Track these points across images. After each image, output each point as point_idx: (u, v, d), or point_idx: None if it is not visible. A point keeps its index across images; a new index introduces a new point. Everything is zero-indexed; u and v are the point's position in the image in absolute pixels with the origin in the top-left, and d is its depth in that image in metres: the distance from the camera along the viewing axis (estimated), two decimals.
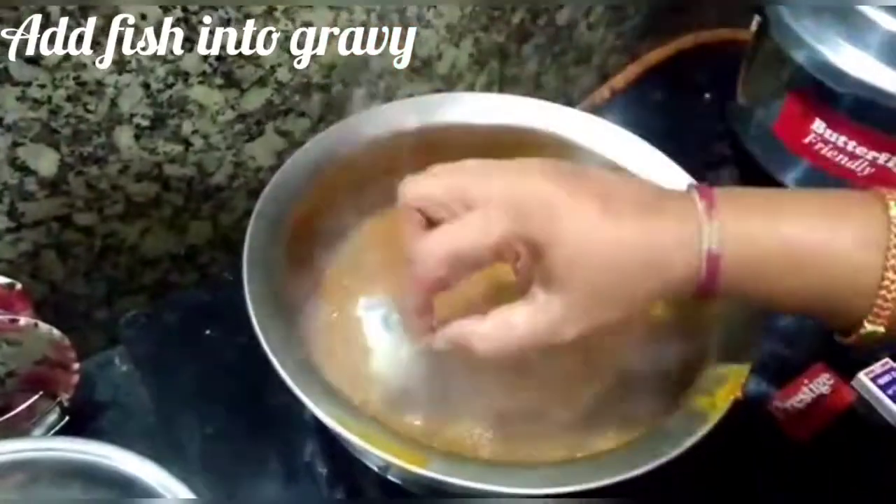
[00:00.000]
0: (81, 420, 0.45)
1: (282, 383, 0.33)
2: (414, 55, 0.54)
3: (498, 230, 0.31)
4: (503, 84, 0.63)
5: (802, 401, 0.47)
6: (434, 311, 0.34)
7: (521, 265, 0.35)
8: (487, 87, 0.62)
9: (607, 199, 0.31)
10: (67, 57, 0.40)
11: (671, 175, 0.45)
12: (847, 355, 0.49)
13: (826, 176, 0.53)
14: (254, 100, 0.48)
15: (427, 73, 0.56)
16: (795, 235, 0.31)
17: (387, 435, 0.33)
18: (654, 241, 0.31)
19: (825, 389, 0.48)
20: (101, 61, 0.41)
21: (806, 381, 0.48)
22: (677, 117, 0.65)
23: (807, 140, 0.53)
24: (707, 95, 0.69)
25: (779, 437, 0.46)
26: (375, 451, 0.32)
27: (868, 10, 0.49)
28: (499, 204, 0.31)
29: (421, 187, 0.33)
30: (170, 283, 0.54)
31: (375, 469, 0.39)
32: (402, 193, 0.34)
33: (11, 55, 0.38)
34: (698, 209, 0.31)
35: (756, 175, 0.57)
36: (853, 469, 0.46)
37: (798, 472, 0.46)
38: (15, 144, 0.41)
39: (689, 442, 0.32)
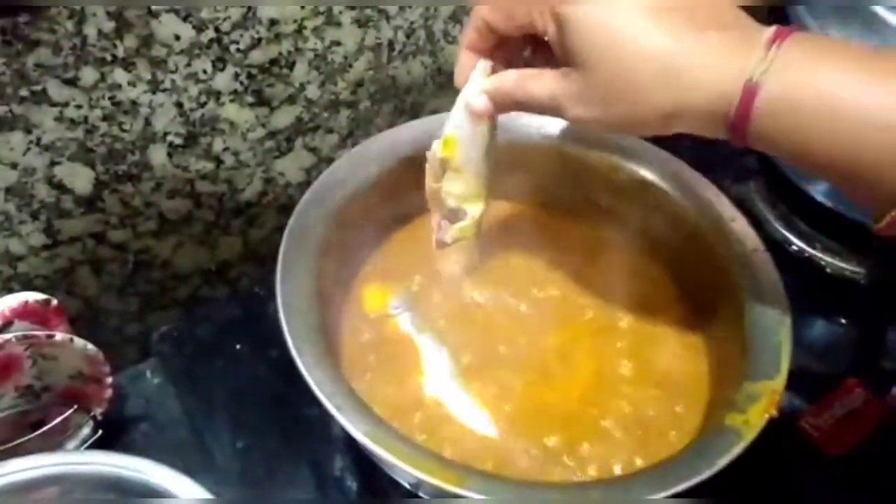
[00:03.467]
0: (114, 433, 0.45)
1: (313, 397, 0.33)
2: (440, 70, 0.54)
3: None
4: None
5: (835, 416, 0.47)
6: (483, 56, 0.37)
7: (549, 37, 0.34)
8: None
9: (665, 3, 0.30)
10: (103, 77, 0.41)
11: (699, 187, 0.45)
12: (880, 370, 0.48)
13: None
14: (283, 117, 0.49)
15: (453, 89, 0.56)
16: (845, 87, 0.28)
17: (420, 453, 0.33)
18: (687, 51, 0.29)
19: (858, 404, 0.47)
20: (135, 81, 0.42)
21: (838, 397, 0.48)
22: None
23: None
24: None
25: (811, 454, 0.45)
26: (409, 469, 0.32)
27: (894, 19, 0.48)
28: None
29: None
30: (201, 297, 0.55)
31: (406, 485, 0.39)
32: None
33: (50, 76, 0.39)
34: (760, 40, 0.29)
35: (784, 187, 0.57)
36: (889, 484, 0.45)
37: (832, 488, 0.45)
38: (52, 163, 0.42)
39: (723, 461, 0.32)
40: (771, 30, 0.30)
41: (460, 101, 0.38)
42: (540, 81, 0.34)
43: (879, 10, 0.48)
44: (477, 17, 0.36)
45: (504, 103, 0.37)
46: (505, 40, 0.36)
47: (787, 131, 0.29)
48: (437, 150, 0.39)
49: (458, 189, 0.40)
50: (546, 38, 0.34)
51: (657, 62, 0.30)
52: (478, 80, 0.37)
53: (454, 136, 0.38)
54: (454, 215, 0.41)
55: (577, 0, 0.31)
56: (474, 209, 0.40)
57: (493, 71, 0.37)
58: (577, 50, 0.31)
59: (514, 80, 0.35)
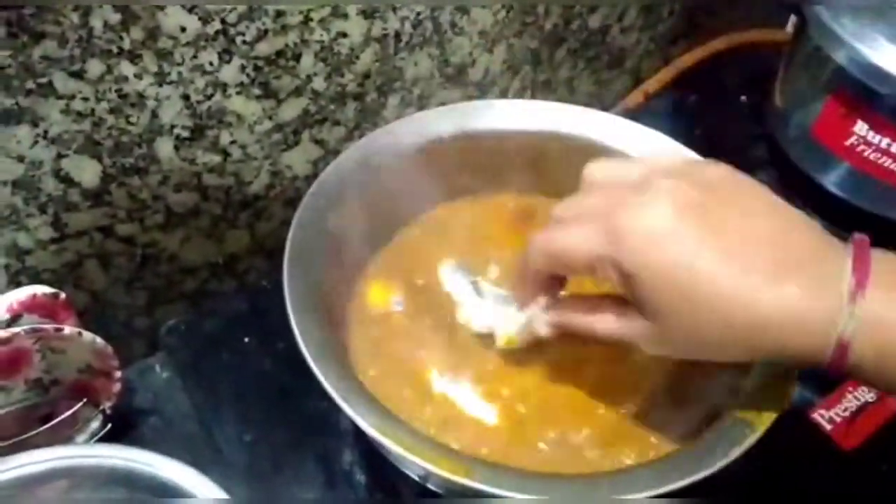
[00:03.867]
0: (122, 427, 0.45)
1: (321, 390, 0.33)
2: (447, 62, 0.54)
3: (587, 248, 0.31)
4: (536, 89, 0.63)
5: (847, 409, 0.46)
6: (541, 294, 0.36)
7: (616, 286, 0.32)
8: (520, 93, 0.62)
9: (737, 240, 0.29)
10: (109, 70, 0.40)
11: None
12: None
13: (869, 179, 0.52)
14: (290, 110, 0.49)
15: (461, 80, 0.56)
16: None
17: (428, 444, 0.33)
18: (769, 306, 0.28)
19: (871, 397, 0.47)
20: (142, 74, 0.41)
21: (850, 389, 0.47)
22: (713, 120, 0.64)
23: (848, 142, 0.52)
24: (743, 98, 0.68)
25: (824, 447, 0.45)
26: (416, 461, 0.32)
27: None
28: (602, 224, 0.31)
29: (557, 210, 0.35)
30: (209, 291, 0.55)
31: (415, 478, 0.39)
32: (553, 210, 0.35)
33: (56, 69, 0.39)
34: (843, 286, 0.28)
35: (795, 178, 0.56)
36: None
37: (845, 481, 0.45)
38: (59, 156, 0.42)
39: (735, 452, 0.32)
40: (849, 269, 0.29)
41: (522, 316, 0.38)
42: (605, 322, 0.33)
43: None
44: (532, 263, 0.35)
45: (568, 331, 0.36)
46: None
47: (887, 374, 0.29)
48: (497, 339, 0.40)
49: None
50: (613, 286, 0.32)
51: (738, 319, 0.29)
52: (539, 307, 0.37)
53: (512, 338, 0.39)
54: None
55: (640, 250, 0.30)
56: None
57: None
58: (648, 304, 0.30)
59: (580, 318, 0.35)
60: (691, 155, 0.45)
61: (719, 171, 0.32)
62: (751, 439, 0.33)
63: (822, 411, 0.46)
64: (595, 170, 0.35)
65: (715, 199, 0.30)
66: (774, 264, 0.29)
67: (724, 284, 0.29)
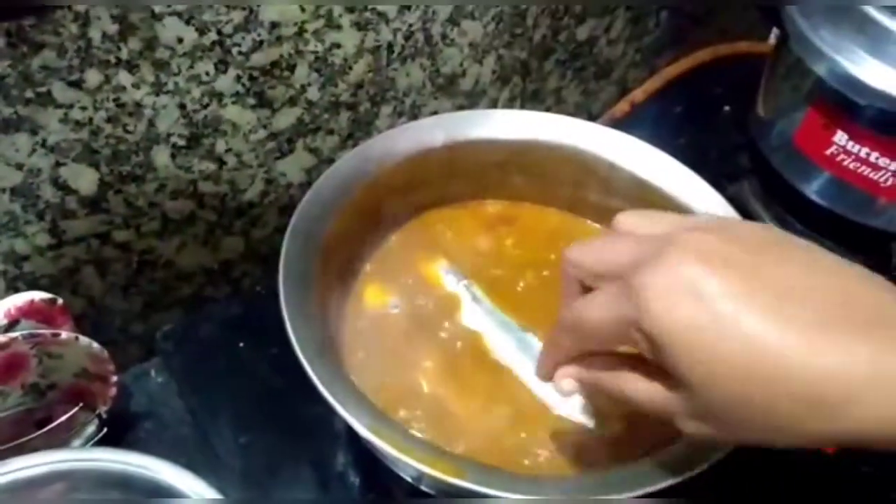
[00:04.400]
0: (118, 431, 0.46)
1: (314, 394, 0.34)
2: (438, 73, 0.55)
3: (611, 314, 0.28)
4: (525, 99, 0.64)
5: None
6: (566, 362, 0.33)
7: (646, 354, 0.28)
8: (510, 103, 0.63)
9: (784, 295, 0.24)
10: (108, 79, 0.41)
11: (694, 186, 0.46)
12: None
13: (849, 187, 0.54)
14: (285, 119, 0.50)
15: (451, 90, 0.57)
16: None
17: (421, 445, 0.34)
18: (829, 367, 0.23)
19: None
20: (139, 83, 0.42)
21: None
22: (697, 130, 0.66)
23: (829, 152, 0.54)
24: (726, 108, 0.69)
25: (808, 450, 0.46)
26: (410, 462, 0.32)
27: (887, 21, 0.49)
28: (624, 283, 0.27)
29: (576, 254, 0.31)
30: (204, 297, 0.55)
31: (408, 479, 0.40)
32: (563, 257, 0.32)
33: (55, 78, 0.39)
34: None
35: (777, 186, 0.58)
36: (890, 481, 0.46)
37: (827, 483, 0.46)
38: (57, 164, 0.43)
39: (719, 454, 0.33)
40: None
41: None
42: (635, 385, 0.29)
43: (870, 10, 0.49)
44: (559, 341, 0.32)
45: (593, 389, 0.33)
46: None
47: None
48: None
49: None
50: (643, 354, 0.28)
51: (791, 386, 0.23)
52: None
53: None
54: None
55: (661, 310, 0.25)
56: None
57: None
58: (677, 371, 0.26)
59: (608, 377, 0.31)
60: (703, 184, 0.45)
61: (757, 227, 0.28)
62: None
63: None
64: (623, 219, 0.31)
65: (747, 251, 0.26)
66: (839, 321, 0.24)
67: (769, 347, 0.24)
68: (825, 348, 0.23)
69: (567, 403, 0.39)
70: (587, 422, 0.39)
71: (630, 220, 0.31)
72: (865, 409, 0.23)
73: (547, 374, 0.34)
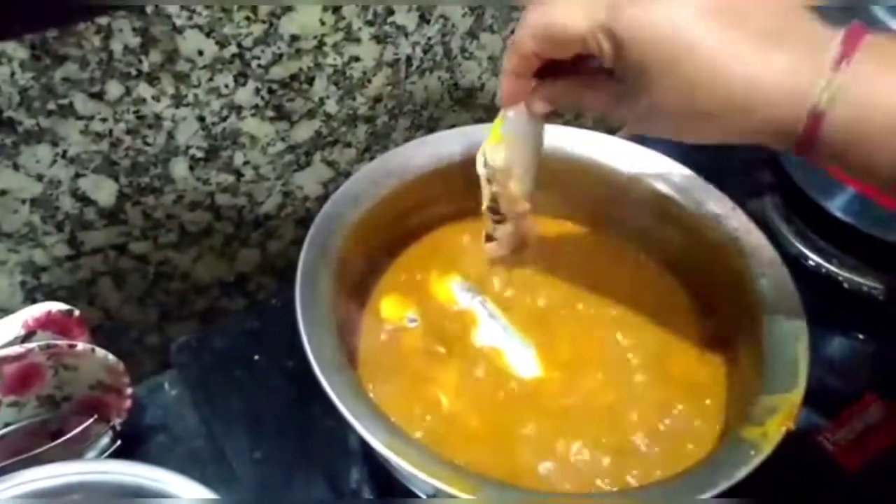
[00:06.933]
0: (132, 444, 0.46)
1: (330, 408, 0.34)
2: (457, 86, 0.55)
3: (583, 18, 0.31)
4: None
5: (853, 431, 0.46)
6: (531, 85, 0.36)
7: (605, 58, 0.32)
8: None
9: (728, 8, 0.29)
10: (128, 91, 0.41)
11: (715, 201, 0.45)
12: None
13: (872, 204, 0.53)
14: (302, 131, 0.50)
15: (469, 104, 0.57)
16: None
17: (438, 462, 0.33)
18: (754, 75, 0.28)
19: (876, 419, 0.47)
20: (159, 96, 0.42)
21: (857, 412, 0.47)
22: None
23: None
24: None
25: (829, 469, 0.45)
26: (426, 478, 0.32)
27: (890, 19, 0.48)
28: None
29: None
30: (219, 309, 0.55)
31: (423, 496, 0.39)
32: None
33: (77, 90, 0.40)
34: (827, 56, 0.28)
35: (800, 202, 0.57)
36: None
37: (848, 503, 0.45)
38: (77, 176, 0.43)
39: (741, 473, 0.32)
40: (838, 40, 0.28)
41: (505, 114, 0.39)
42: (595, 95, 0.34)
43: (878, 10, 0.48)
44: (522, 45, 0.34)
45: (561, 106, 0.37)
46: (551, 62, 0.35)
47: (855, 152, 0.29)
48: (488, 157, 0.40)
49: (511, 189, 0.41)
50: (600, 60, 0.32)
51: (724, 89, 0.29)
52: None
53: (506, 139, 0.39)
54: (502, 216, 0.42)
55: (639, 16, 0.30)
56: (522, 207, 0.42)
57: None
58: (639, 72, 0.30)
59: (570, 90, 0.35)
60: (724, 199, 0.45)
61: None
62: (756, 460, 0.33)
63: (829, 434, 0.46)
64: None
65: None
66: (765, 29, 0.28)
67: (718, 51, 0.28)
68: (759, 56, 0.28)
69: None
70: None
71: None
72: (770, 111, 0.29)
73: (512, 94, 0.37)
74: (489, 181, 0.41)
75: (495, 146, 0.40)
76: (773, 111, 0.29)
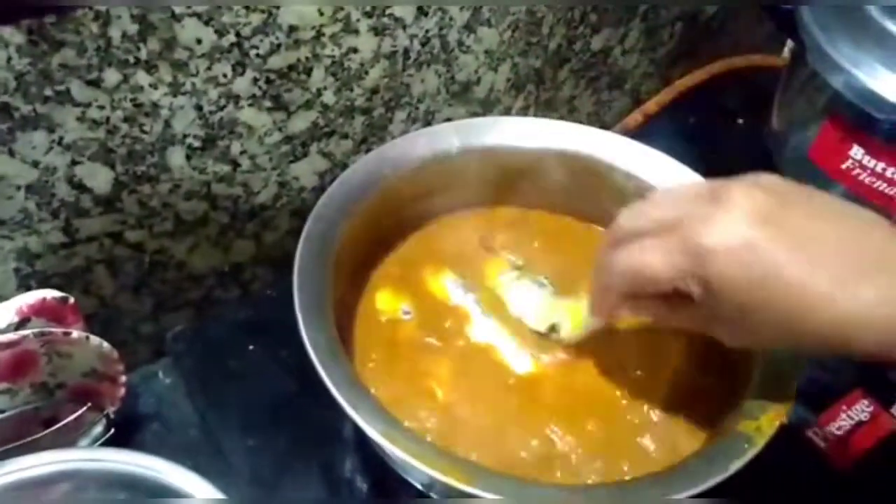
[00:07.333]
0: (125, 432, 0.46)
1: (323, 397, 0.34)
2: (453, 79, 0.55)
3: (669, 266, 0.32)
4: (538, 107, 0.64)
5: (842, 427, 0.47)
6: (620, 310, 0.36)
7: (696, 298, 0.32)
8: (524, 111, 0.63)
9: (808, 244, 0.30)
10: (126, 79, 0.41)
11: None
12: (887, 382, 0.48)
13: (863, 202, 0.53)
14: (300, 122, 0.50)
15: (466, 97, 0.57)
16: None
17: (434, 451, 0.33)
18: (848, 308, 0.29)
19: (865, 416, 0.48)
20: (157, 84, 0.42)
21: (844, 408, 0.48)
22: (710, 142, 0.65)
23: (844, 166, 0.53)
24: (740, 120, 0.69)
25: (818, 464, 0.46)
26: (422, 468, 0.32)
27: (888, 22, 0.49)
28: (681, 239, 0.31)
29: (625, 217, 0.35)
30: (214, 298, 0.55)
31: (418, 486, 0.39)
32: (617, 219, 0.36)
33: (74, 77, 0.40)
34: None
35: None
36: (894, 497, 0.45)
37: (838, 499, 0.45)
38: (73, 163, 0.43)
39: (735, 465, 0.32)
40: None
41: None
42: (680, 317, 0.34)
43: (889, 23, 0.49)
44: (612, 282, 0.35)
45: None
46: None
47: None
48: (563, 335, 0.42)
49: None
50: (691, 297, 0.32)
51: (818, 322, 0.30)
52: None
53: (584, 331, 0.41)
54: None
55: (726, 267, 0.30)
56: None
57: None
58: (729, 309, 0.31)
59: (656, 310, 0.35)
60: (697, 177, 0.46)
61: (777, 180, 0.33)
62: (750, 453, 0.33)
63: (818, 429, 0.47)
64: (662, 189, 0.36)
65: (785, 205, 0.31)
66: (852, 269, 0.30)
67: (808, 292, 0.30)
68: (848, 291, 0.29)
69: None
70: None
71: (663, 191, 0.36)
72: (864, 344, 0.30)
73: (602, 308, 0.37)
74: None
75: (573, 334, 0.42)
76: (862, 341, 0.30)
